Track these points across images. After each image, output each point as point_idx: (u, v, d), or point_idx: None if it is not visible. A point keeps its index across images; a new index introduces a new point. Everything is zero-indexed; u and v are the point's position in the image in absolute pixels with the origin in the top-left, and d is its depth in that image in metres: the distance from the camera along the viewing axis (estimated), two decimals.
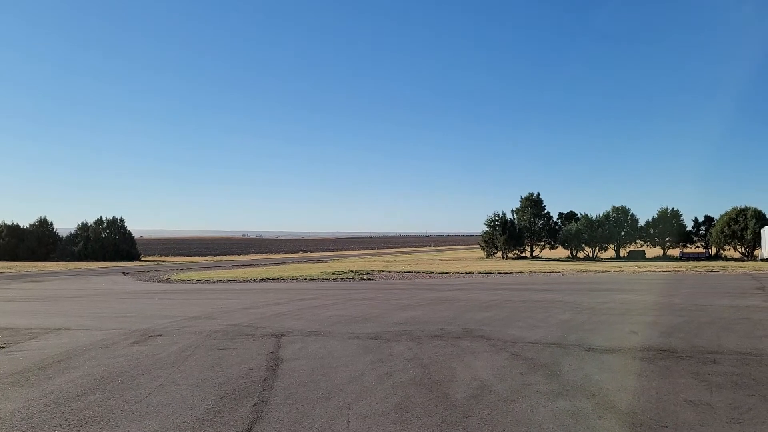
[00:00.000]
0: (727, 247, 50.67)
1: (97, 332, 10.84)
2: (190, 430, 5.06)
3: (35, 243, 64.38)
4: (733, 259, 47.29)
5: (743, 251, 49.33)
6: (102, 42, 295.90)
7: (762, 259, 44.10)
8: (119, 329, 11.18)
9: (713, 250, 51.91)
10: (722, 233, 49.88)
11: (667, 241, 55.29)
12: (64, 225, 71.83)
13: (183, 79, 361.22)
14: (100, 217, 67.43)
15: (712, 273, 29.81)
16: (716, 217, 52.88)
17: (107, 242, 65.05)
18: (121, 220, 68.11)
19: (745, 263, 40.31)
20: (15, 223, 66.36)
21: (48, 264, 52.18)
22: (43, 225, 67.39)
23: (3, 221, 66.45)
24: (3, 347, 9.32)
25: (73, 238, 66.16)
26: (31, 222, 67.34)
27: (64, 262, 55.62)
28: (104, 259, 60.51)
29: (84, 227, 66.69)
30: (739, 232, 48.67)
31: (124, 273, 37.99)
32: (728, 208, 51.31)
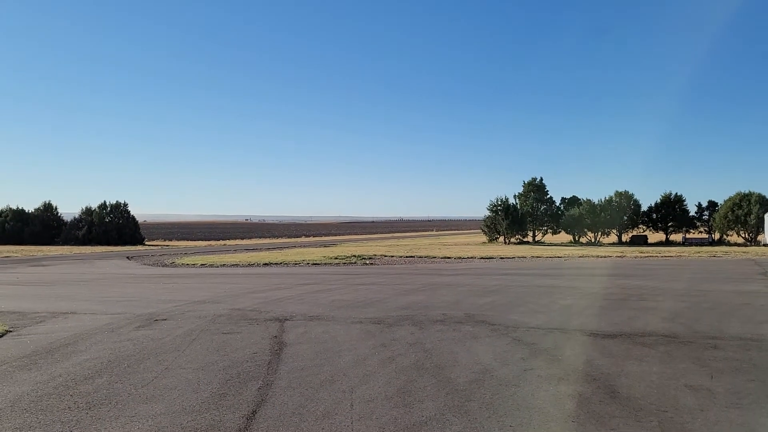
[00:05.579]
0: (731, 233, 50.42)
1: (103, 316, 10.95)
2: (196, 413, 5.14)
3: (40, 227, 64.57)
4: (736, 244, 47.10)
5: (746, 236, 49.14)
6: (108, 27, 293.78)
7: (765, 245, 44.02)
8: (125, 313, 11.29)
9: (716, 236, 51.73)
10: (725, 218, 49.63)
11: (670, 227, 55.15)
12: (69, 209, 72.06)
13: (188, 64, 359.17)
14: (104, 201, 67.12)
15: (714, 258, 29.80)
16: (720, 202, 52.69)
17: (111, 227, 65.10)
18: (125, 205, 67.93)
19: (749, 248, 40.24)
20: (20, 208, 66.47)
21: (52, 248, 52.46)
22: (48, 209, 67.52)
23: (8, 206, 66.59)
24: (11, 331, 9.44)
25: (77, 222, 66.22)
26: (36, 206, 67.57)
27: (68, 247, 55.91)
28: (108, 244, 60.71)
29: (88, 212, 66.70)
30: (742, 218, 48.43)
31: (128, 257, 38.17)
32: (732, 194, 51.13)
